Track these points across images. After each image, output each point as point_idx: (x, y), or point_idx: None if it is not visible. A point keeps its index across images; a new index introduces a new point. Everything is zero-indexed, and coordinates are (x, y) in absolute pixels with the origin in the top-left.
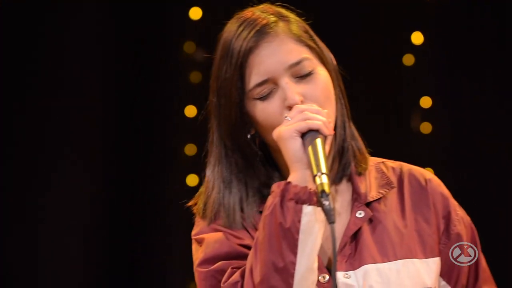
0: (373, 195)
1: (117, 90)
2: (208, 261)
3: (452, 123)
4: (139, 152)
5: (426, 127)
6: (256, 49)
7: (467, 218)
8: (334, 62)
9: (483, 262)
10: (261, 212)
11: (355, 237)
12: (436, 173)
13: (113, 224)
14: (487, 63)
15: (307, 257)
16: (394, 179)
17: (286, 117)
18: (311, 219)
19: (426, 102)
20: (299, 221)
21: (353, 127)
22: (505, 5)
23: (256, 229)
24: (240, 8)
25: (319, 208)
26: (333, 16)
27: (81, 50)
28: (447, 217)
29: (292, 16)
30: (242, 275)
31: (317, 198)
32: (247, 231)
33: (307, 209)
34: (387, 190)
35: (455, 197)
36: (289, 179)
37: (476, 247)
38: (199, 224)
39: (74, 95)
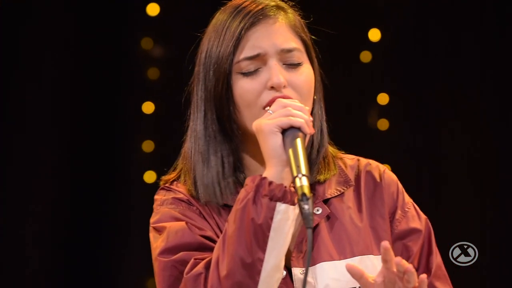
0: (331, 192)
1: (74, 86)
2: (169, 250)
3: (409, 120)
4: (96, 148)
5: (383, 124)
6: (254, 27)
7: (422, 215)
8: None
9: (438, 259)
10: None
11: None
12: (393, 170)
13: (70, 221)
14: (443, 59)
15: (275, 255)
16: (352, 176)
17: (268, 109)
18: (284, 217)
19: (383, 99)
20: (271, 219)
21: (326, 131)
22: (461, 2)
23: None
24: (197, 5)
25: (292, 207)
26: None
27: (38, 45)
28: (398, 212)
29: (290, 9)
30: (206, 267)
31: (297, 200)
32: (209, 223)
33: (281, 207)
34: (345, 188)
35: (412, 193)
36: (264, 174)
37: (430, 243)
38: (159, 211)
39: (30, 90)
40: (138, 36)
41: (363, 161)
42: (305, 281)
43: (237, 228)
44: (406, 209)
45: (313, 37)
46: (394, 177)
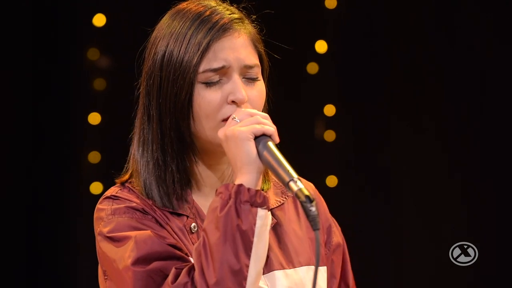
0: (272, 203)
1: (19, 97)
2: (142, 260)
3: (355, 131)
4: (42, 160)
5: (329, 135)
6: (221, 39)
7: (339, 229)
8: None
9: (350, 269)
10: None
11: None
12: (339, 181)
13: (15, 232)
14: (389, 71)
15: (258, 260)
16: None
17: (234, 118)
18: (264, 222)
19: (330, 110)
20: (254, 224)
21: None
22: (406, 13)
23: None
24: (144, 16)
25: (269, 213)
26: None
27: None
28: (329, 229)
29: (249, 21)
30: (190, 276)
31: (301, 204)
32: (167, 230)
33: (261, 213)
34: (284, 199)
35: (358, 204)
36: (239, 181)
37: (346, 255)
38: (111, 221)
39: None
40: (84, 47)
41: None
42: (315, 282)
43: (222, 235)
44: (335, 223)
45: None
46: (320, 196)
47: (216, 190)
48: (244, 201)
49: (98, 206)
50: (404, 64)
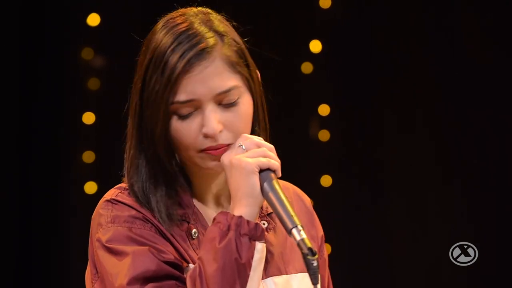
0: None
1: (14, 96)
2: (137, 280)
3: (349, 131)
4: (36, 159)
5: (324, 135)
6: (190, 70)
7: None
8: (260, 81)
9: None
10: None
11: None
12: (334, 181)
13: (8, 232)
14: (384, 70)
15: None
16: (288, 197)
17: (241, 145)
18: (261, 256)
19: (324, 110)
20: (252, 258)
21: None
22: (400, 12)
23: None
24: (139, 17)
25: (264, 245)
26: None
27: None
28: (322, 240)
29: (229, 33)
30: None
31: (302, 255)
32: (168, 239)
33: (259, 246)
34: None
35: (353, 204)
36: (238, 213)
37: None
38: (109, 229)
39: None
40: (78, 46)
41: (290, 184)
42: None
43: (220, 268)
44: (323, 239)
45: (256, 49)
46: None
47: (214, 218)
48: (243, 234)
49: (99, 210)
50: (399, 64)
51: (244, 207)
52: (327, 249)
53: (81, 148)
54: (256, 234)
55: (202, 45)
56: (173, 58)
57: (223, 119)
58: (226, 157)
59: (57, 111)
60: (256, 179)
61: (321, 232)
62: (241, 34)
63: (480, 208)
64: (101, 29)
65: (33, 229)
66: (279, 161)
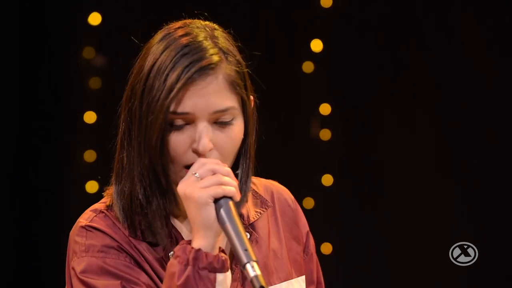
0: (252, 215)
1: (15, 95)
2: None
3: (350, 130)
4: (38, 158)
5: (325, 134)
6: (192, 83)
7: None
8: (253, 107)
9: (320, 274)
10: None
11: None
12: (335, 180)
13: (9, 231)
14: (385, 69)
15: None
16: (268, 197)
17: (195, 174)
18: (223, 286)
19: (325, 109)
20: None
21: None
22: (401, 11)
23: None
24: (139, 15)
25: (228, 273)
26: (233, 23)
27: None
28: (307, 236)
29: (233, 52)
30: None
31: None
32: (143, 269)
33: (220, 277)
34: (264, 210)
35: (354, 203)
36: (197, 245)
37: (318, 261)
38: (83, 258)
39: None
40: (79, 46)
41: (273, 184)
42: None
43: None
44: (309, 234)
45: (256, 52)
46: (295, 200)
47: (174, 252)
48: (202, 267)
49: (74, 236)
50: (400, 63)
51: (202, 239)
52: (327, 248)
53: (82, 147)
54: (215, 267)
55: (206, 61)
56: (177, 69)
57: (214, 139)
58: (180, 189)
59: (58, 110)
60: (211, 210)
61: (306, 228)
62: (242, 32)
63: (480, 208)
64: (102, 28)
65: (33, 229)
66: (235, 184)
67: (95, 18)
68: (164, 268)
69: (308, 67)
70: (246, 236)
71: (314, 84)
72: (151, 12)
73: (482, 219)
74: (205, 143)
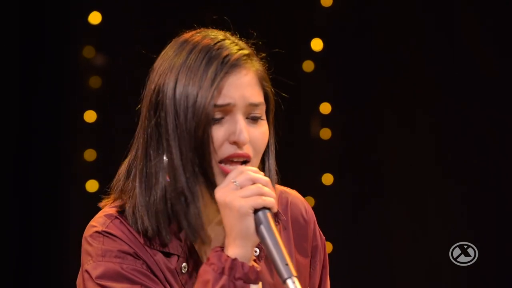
0: None
1: (15, 94)
2: None
3: (350, 129)
4: (38, 157)
5: (325, 133)
6: (229, 74)
7: (324, 240)
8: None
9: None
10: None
11: None
12: (335, 179)
13: (9, 230)
14: (385, 69)
15: None
16: (281, 207)
17: (234, 181)
18: None
19: (325, 108)
20: None
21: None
22: (402, 11)
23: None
24: (139, 14)
25: (260, 284)
26: (234, 22)
27: None
28: (315, 249)
29: (256, 57)
30: None
31: None
32: (157, 276)
33: None
34: (276, 224)
35: (355, 202)
36: (233, 254)
37: (326, 270)
38: (100, 263)
39: None
40: (80, 45)
41: (288, 193)
42: None
43: None
44: (322, 238)
45: (262, 54)
46: (312, 211)
47: (208, 258)
48: (238, 278)
49: (88, 239)
50: (400, 62)
51: (238, 248)
52: (327, 248)
53: (82, 146)
54: (250, 278)
55: (239, 54)
56: (213, 64)
57: (249, 133)
58: (220, 195)
59: (58, 109)
60: (250, 221)
61: (316, 241)
62: (242, 31)
63: (480, 208)
64: (102, 28)
65: (33, 229)
66: (274, 195)
67: (95, 17)
68: (176, 279)
69: (308, 66)
70: (286, 250)
71: (314, 83)
72: (151, 12)
73: (482, 219)
74: (245, 134)
